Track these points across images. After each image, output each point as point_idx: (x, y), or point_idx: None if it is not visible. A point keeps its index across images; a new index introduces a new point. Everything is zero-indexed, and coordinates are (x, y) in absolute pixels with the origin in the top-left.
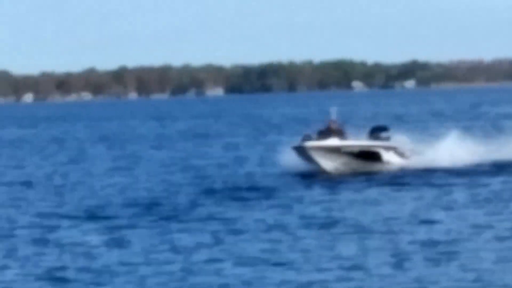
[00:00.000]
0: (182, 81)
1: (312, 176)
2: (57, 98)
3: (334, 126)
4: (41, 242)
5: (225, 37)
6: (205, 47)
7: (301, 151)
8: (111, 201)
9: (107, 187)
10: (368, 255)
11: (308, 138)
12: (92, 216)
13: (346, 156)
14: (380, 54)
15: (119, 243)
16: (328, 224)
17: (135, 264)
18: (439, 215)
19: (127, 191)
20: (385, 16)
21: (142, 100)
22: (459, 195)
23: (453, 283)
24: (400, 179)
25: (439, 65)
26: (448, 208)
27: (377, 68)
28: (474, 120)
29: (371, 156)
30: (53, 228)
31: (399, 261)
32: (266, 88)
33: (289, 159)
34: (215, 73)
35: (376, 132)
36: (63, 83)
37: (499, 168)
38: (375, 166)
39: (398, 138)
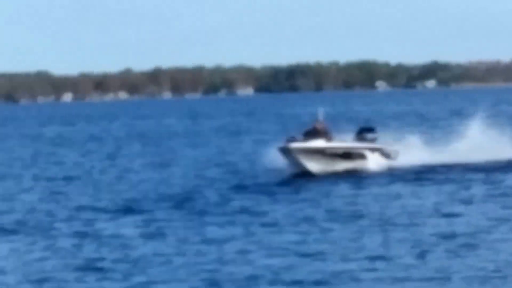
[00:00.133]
0: (214, 81)
1: (337, 173)
2: (95, 98)
3: (320, 127)
4: (79, 234)
5: (255, 39)
6: (236, 48)
7: (286, 152)
8: (146, 196)
9: (143, 182)
10: (392, 246)
11: (292, 139)
12: (128, 209)
13: (331, 157)
14: (403, 55)
15: (154, 235)
16: (354, 217)
17: (169, 255)
18: (458, 208)
19: (162, 186)
20: (407, 19)
21: (176, 99)
22: (477, 189)
23: (473, 273)
24: (421, 175)
25: (459, 66)
26: (467, 202)
27: (400, 69)
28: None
29: (356, 157)
30: (91, 221)
31: (421, 252)
32: (294, 88)
33: (275, 159)
34: (245, 74)
35: (363, 133)
36: (101, 83)
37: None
38: (360, 167)
39: (384, 139)
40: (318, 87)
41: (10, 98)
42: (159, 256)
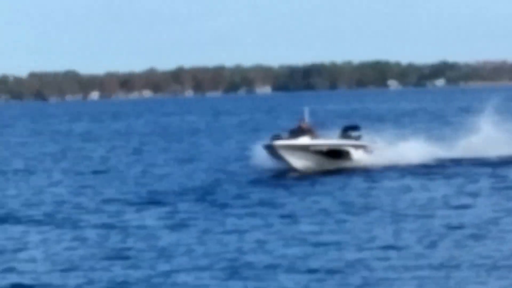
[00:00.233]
0: (234, 80)
1: (353, 167)
2: (120, 96)
3: (305, 125)
4: (106, 225)
5: (273, 40)
6: (255, 49)
7: (271, 149)
8: (170, 189)
9: (166, 176)
10: (403, 236)
11: (277, 137)
12: (153, 202)
13: (315, 154)
14: (413, 55)
15: (177, 226)
16: (367, 209)
17: (191, 244)
18: (466, 201)
19: (185, 180)
20: (418, 21)
21: (197, 98)
22: (484, 183)
23: (480, 261)
24: (431, 169)
25: (467, 65)
26: (474, 194)
27: (411, 68)
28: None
29: (340, 154)
30: (117, 213)
31: (431, 242)
32: (309, 87)
33: (261, 156)
34: (263, 73)
35: (347, 131)
36: (126, 82)
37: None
38: (344, 164)
39: (369, 137)
40: (333, 86)
41: (40, 96)
42: (182, 245)
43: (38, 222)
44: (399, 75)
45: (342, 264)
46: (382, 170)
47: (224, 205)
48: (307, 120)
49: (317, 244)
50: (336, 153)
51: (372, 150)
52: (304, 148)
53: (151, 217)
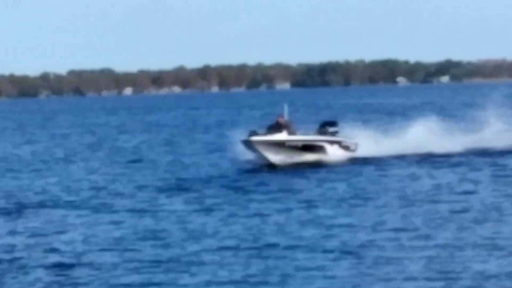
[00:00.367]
0: (256, 77)
1: (365, 157)
2: (152, 91)
3: (282, 121)
4: (140, 210)
5: (292, 40)
6: (275, 48)
7: (248, 144)
8: (198, 177)
9: (195, 165)
10: (411, 219)
11: (253, 133)
12: (182, 188)
13: (290, 149)
14: (420, 54)
15: (204, 211)
16: (378, 194)
17: (217, 227)
18: (469, 187)
19: (212, 168)
20: (425, 22)
21: (222, 93)
22: (485, 172)
23: (483, 242)
24: (436, 158)
25: (470, 63)
26: (477, 182)
27: (418, 66)
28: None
29: (315, 149)
30: (150, 199)
31: (437, 225)
32: (325, 83)
33: (241, 150)
34: (283, 70)
35: (325, 126)
36: (157, 78)
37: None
38: (319, 158)
39: (345, 133)
40: (346, 82)
41: (78, 92)
42: (209, 228)
43: (77, 207)
44: (407, 72)
45: (355, 245)
46: (391, 159)
47: (247, 191)
48: (285, 116)
49: (332, 227)
50: (311, 148)
51: (348, 145)
52: (279, 144)
53: (180, 202)
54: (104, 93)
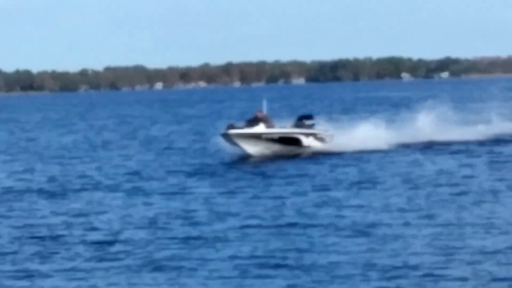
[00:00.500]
0: (274, 73)
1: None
2: (180, 86)
3: (260, 115)
4: (170, 192)
5: (307, 39)
6: (291, 47)
7: (227, 137)
8: (223, 162)
9: (220, 152)
10: (415, 201)
11: (231, 126)
12: (209, 173)
13: (267, 141)
14: (423, 52)
15: (229, 193)
16: (385, 178)
17: (241, 208)
18: (468, 172)
19: (235, 155)
20: (426, 22)
21: (244, 87)
22: (482, 158)
23: (480, 221)
24: (437, 146)
25: (467, 60)
26: (475, 167)
27: (420, 63)
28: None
29: (291, 141)
30: (180, 182)
31: (439, 206)
32: (336, 78)
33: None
34: (298, 67)
35: (301, 120)
36: (185, 74)
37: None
38: (295, 150)
39: (321, 126)
40: (356, 78)
41: (114, 86)
42: (233, 208)
43: (114, 190)
44: (410, 68)
45: (365, 224)
46: (397, 147)
47: (267, 176)
48: (264, 110)
49: (344, 207)
50: (287, 140)
51: (323, 137)
52: (256, 136)
53: (206, 186)
54: (137, 87)
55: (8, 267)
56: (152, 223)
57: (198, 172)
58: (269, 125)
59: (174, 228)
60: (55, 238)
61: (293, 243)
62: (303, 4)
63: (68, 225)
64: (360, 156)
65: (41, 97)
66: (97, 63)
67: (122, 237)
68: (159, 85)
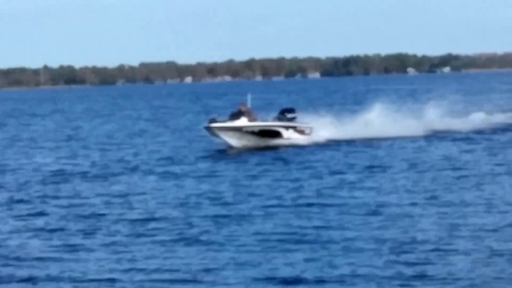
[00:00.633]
0: (292, 68)
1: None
2: (207, 80)
3: (244, 109)
4: (200, 176)
5: (321, 37)
6: (308, 44)
7: (209, 130)
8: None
9: None
10: (419, 184)
11: (213, 120)
12: (235, 158)
13: (248, 134)
14: (426, 49)
15: (253, 177)
16: (394, 163)
17: (264, 190)
18: (469, 157)
19: None
20: (429, 21)
21: (265, 81)
22: (482, 145)
23: (480, 201)
24: (440, 134)
25: (467, 56)
26: (475, 152)
27: (424, 59)
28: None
29: (271, 133)
30: (209, 167)
31: (442, 188)
32: (348, 73)
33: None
34: (314, 63)
35: (283, 113)
36: (212, 69)
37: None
38: (276, 142)
39: (302, 119)
40: (366, 73)
41: (148, 80)
42: (256, 190)
43: (149, 173)
44: (415, 64)
45: (376, 204)
46: (403, 136)
47: (287, 162)
48: (248, 104)
49: (357, 189)
50: (268, 133)
51: (303, 130)
52: (237, 129)
53: (233, 169)
54: (169, 81)
55: (56, 242)
56: (184, 203)
57: (225, 157)
58: (251, 118)
59: (204, 207)
60: (97, 216)
61: (311, 221)
62: (319, 6)
63: (109, 205)
64: (370, 143)
65: (83, 90)
66: (133, 59)
67: (157, 215)
68: (188, 79)
